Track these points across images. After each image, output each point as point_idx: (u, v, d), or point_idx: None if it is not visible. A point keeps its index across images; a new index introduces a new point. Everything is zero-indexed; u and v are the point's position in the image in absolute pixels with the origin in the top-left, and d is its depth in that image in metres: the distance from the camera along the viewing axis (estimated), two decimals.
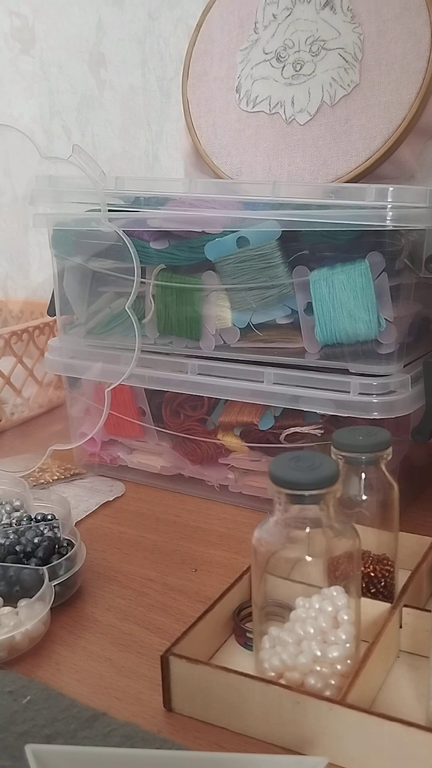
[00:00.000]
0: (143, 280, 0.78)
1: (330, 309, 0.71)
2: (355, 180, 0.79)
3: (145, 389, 0.83)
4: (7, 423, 1.04)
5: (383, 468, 0.58)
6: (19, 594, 0.62)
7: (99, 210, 0.76)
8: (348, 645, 0.50)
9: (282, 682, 0.49)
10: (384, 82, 0.77)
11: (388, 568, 0.60)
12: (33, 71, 1.28)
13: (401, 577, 0.60)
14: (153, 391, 0.83)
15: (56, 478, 0.89)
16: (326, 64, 0.80)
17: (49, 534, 0.68)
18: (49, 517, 0.71)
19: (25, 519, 0.72)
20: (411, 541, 0.65)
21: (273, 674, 0.51)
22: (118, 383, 0.77)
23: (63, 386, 0.94)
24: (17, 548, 0.66)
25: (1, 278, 1.44)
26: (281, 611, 0.52)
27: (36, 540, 0.67)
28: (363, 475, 0.58)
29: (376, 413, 0.70)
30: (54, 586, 0.61)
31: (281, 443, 0.77)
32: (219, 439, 0.81)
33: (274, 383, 0.74)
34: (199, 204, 0.76)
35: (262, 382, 0.75)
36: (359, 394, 0.70)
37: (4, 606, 0.61)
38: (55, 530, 0.69)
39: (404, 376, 0.72)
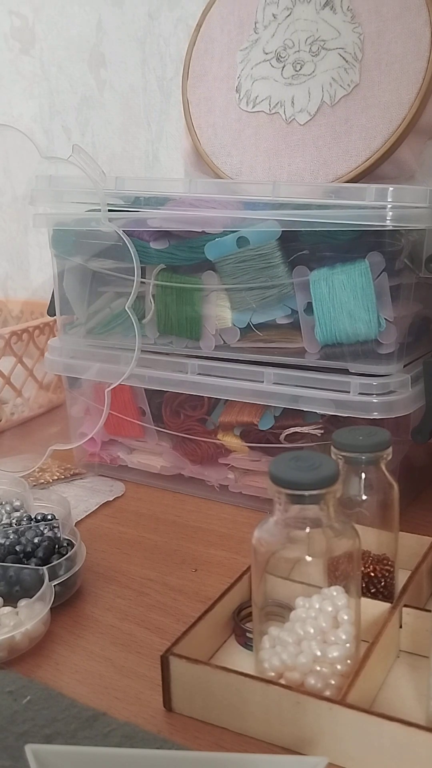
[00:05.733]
0: (143, 280, 0.78)
1: (330, 309, 0.71)
2: (355, 180, 0.79)
3: (145, 389, 0.83)
4: (7, 423, 1.04)
5: (383, 468, 0.58)
6: (19, 594, 0.62)
7: (99, 210, 0.76)
8: (348, 645, 0.50)
9: (282, 682, 0.49)
10: (384, 82, 0.77)
11: (388, 568, 0.60)
12: (33, 71, 1.28)
13: (401, 577, 0.60)
14: (153, 391, 0.83)
15: (56, 478, 0.89)
16: (326, 64, 0.80)
17: (49, 534, 0.68)
18: (49, 517, 0.71)
19: (25, 519, 0.72)
20: (411, 541, 0.66)
21: (273, 674, 0.51)
22: (118, 383, 0.77)
23: (63, 386, 0.94)
24: (17, 548, 0.66)
25: (1, 278, 1.44)
26: (281, 611, 0.52)
27: (36, 540, 0.67)
28: (363, 475, 0.58)
29: (376, 413, 0.70)
30: (54, 586, 0.61)
31: (281, 443, 0.77)
32: (219, 439, 0.81)
33: (274, 383, 0.74)
34: (199, 204, 0.76)
35: (262, 382, 0.75)
36: (359, 394, 0.70)
37: (4, 606, 0.61)
38: (55, 530, 0.69)
39: (404, 376, 0.72)
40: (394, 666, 0.55)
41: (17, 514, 0.74)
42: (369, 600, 0.57)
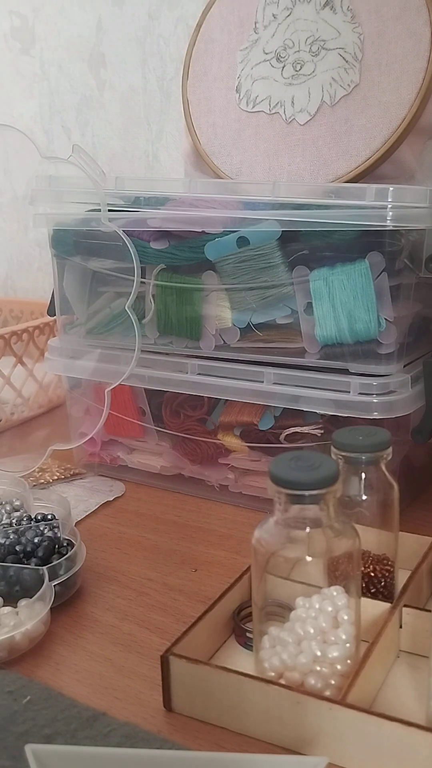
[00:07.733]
0: (143, 280, 0.78)
1: (330, 309, 0.71)
2: (355, 180, 0.78)
3: (145, 389, 0.83)
4: (7, 423, 1.04)
5: (383, 468, 0.58)
6: (19, 594, 0.62)
7: (99, 210, 0.76)
8: (348, 645, 0.50)
9: (282, 682, 0.49)
10: (384, 82, 0.77)
11: (388, 568, 0.60)
12: (33, 71, 1.28)
13: (401, 577, 0.60)
14: (153, 391, 0.83)
15: (56, 478, 0.89)
16: (326, 64, 0.80)
17: (49, 534, 0.68)
18: (49, 517, 0.71)
19: (25, 519, 0.72)
20: (411, 541, 0.66)
21: (273, 674, 0.51)
22: (118, 383, 0.77)
23: (63, 386, 0.94)
24: (17, 548, 0.66)
25: (1, 278, 1.44)
26: (281, 611, 0.52)
27: (36, 540, 0.67)
28: (363, 475, 0.58)
29: (376, 413, 0.70)
30: (54, 586, 0.61)
31: (281, 443, 0.77)
32: (219, 439, 0.81)
33: (274, 383, 0.74)
34: (199, 204, 0.76)
35: (262, 382, 0.75)
36: (359, 394, 0.70)
37: (4, 606, 0.61)
38: (55, 530, 0.69)
39: (404, 376, 0.72)
40: (394, 666, 0.55)
41: (17, 514, 0.74)
42: (369, 600, 0.57)
